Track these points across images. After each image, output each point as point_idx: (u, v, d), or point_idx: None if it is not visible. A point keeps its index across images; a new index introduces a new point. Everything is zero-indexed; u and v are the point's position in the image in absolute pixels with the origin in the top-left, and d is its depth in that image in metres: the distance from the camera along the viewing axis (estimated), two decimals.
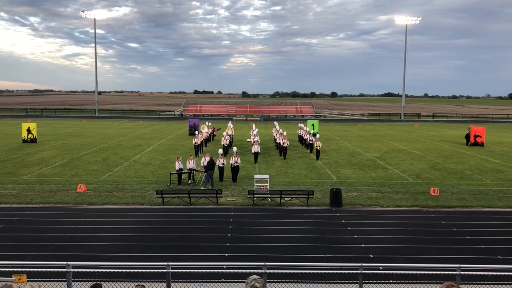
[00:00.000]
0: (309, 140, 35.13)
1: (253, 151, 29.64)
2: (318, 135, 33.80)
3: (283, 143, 31.65)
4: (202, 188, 21.47)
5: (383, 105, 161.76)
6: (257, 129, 39.87)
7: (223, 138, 33.66)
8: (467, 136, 42.14)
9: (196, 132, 35.53)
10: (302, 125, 42.23)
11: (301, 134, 40.17)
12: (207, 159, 23.62)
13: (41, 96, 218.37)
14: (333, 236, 15.15)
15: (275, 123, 45.20)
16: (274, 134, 38.56)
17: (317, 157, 31.22)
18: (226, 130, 38.54)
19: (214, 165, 22.40)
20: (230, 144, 33.99)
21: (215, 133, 43.42)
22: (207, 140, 38.45)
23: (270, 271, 8.88)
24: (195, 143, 32.80)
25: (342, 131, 56.76)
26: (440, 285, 4.50)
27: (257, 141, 31.72)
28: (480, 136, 40.68)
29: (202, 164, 23.79)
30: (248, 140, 39.62)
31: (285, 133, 33.77)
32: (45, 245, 13.84)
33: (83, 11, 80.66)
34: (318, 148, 31.54)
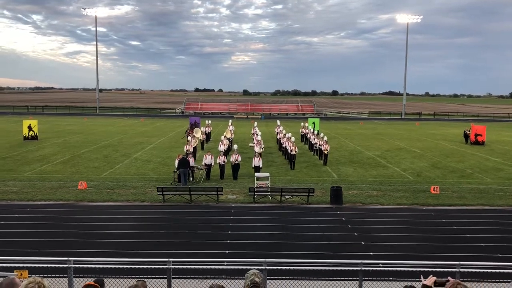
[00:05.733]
0: (319, 145, 31.14)
1: (253, 165, 24.07)
2: (325, 138, 30.65)
3: (291, 150, 27.49)
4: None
5: (384, 103, 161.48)
6: (260, 133, 35.06)
7: (220, 143, 28.65)
8: (465, 135, 42.40)
9: (189, 138, 29.31)
10: (310, 127, 40.13)
11: (304, 133, 39.34)
12: (208, 157, 23.74)
13: (42, 94, 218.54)
14: (334, 233, 15.20)
15: (278, 122, 42.20)
16: (278, 136, 35.70)
17: (325, 163, 28.57)
18: (225, 133, 33.86)
19: (187, 163, 22.10)
20: (229, 150, 29.27)
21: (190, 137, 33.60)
22: (202, 143, 35.46)
23: (270, 267, 8.92)
24: (187, 150, 25.99)
25: (343, 129, 56.75)
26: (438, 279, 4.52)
27: (260, 153, 26.06)
28: (481, 135, 40.68)
29: (203, 162, 23.86)
30: (251, 145, 33.94)
31: (293, 139, 29.47)
32: (47, 242, 13.90)
33: (85, 9, 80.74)
34: (326, 152, 28.77)
